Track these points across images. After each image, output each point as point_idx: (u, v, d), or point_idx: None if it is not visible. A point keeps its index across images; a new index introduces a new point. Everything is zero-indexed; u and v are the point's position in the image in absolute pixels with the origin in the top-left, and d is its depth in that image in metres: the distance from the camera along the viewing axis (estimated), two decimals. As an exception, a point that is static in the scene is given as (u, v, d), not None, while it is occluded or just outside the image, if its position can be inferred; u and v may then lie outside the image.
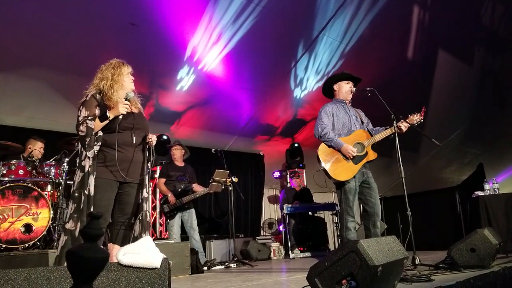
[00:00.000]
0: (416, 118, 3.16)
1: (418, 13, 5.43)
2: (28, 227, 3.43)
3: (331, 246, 6.32)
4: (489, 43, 6.25)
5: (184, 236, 4.71)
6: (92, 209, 2.20)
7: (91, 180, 2.23)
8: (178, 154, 4.81)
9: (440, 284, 1.97)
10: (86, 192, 2.20)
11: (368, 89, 3.17)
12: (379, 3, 5.03)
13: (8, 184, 3.50)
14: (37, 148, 4.11)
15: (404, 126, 3.12)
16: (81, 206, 2.18)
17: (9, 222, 3.35)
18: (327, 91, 3.43)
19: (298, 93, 6.18)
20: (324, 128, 3.11)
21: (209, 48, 4.93)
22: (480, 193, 4.34)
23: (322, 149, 3.11)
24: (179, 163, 4.83)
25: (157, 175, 5.64)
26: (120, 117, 2.33)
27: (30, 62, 4.23)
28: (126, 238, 2.39)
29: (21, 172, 3.70)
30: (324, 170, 3.07)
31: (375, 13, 5.14)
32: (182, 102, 5.59)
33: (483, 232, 2.67)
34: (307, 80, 5.97)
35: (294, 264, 4.55)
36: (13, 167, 3.68)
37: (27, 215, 3.45)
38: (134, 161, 2.42)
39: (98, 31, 4.21)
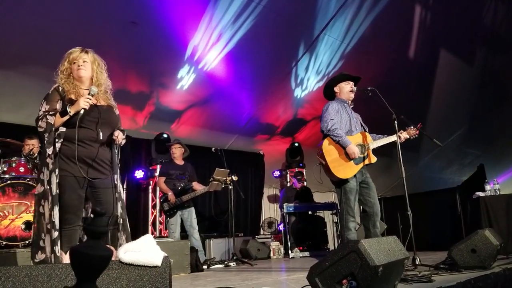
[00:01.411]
0: (412, 132, 3.25)
1: (419, 12, 5.42)
2: (28, 225, 3.42)
3: (331, 246, 6.32)
4: (490, 43, 6.24)
5: (184, 234, 4.71)
6: (57, 209, 2.11)
7: (53, 178, 2.13)
8: (177, 153, 4.81)
9: (441, 284, 1.97)
10: (53, 193, 2.11)
11: (369, 88, 3.17)
12: (380, 2, 5.02)
13: (8, 182, 3.50)
14: (34, 144, 4.11)
15: (404, 136, 3.21)
16: (44, 205, 2.12)
17: (9, 219, 3.35)
18: (329, 94, 3.43)
19: (299, 93, 6.17)
20: (334, 123, 3.10)
21: (209, 48, 4.92)
22: (480, 193, 4.33)
23: (327, 144, 3.11)
24: (179, 161, 4.82)
25: (157, 174, 5.64)
26: (82, 111, 2.17)
27: (30, 59, 4.23)
28: (115, 237, 2.30)
29: (21, 169, 3.70)
30: (324, 165, 3.07)
31: (377, 13, 5.13)
32: (182, 101, 5.59)
33: (484, 233, 2.67)
34: (308, 80, 5.97)
35: (294, 263, 4.55)
36: (13, 165, 3.68)
37: (27, 212, 3.45)
38: (99, 157, 2.27)
39: (99, 29, 4.21)
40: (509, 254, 3.55)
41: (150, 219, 5.67)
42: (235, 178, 4.73)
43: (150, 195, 5.77)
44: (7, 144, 3.83)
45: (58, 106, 2.24)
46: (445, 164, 8.59)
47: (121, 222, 2.30)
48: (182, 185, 4.67)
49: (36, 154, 4.02)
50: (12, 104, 4.60)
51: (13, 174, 3.64)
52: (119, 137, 2.31)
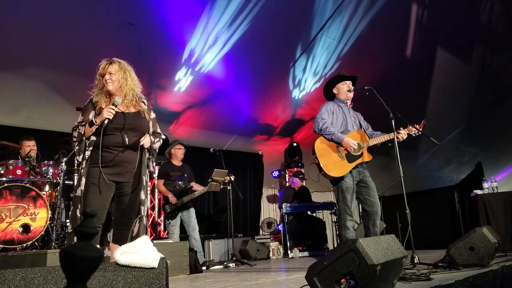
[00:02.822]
0: (414, 130, 3.24)
1: (416, 11, 5.43)
2: (26, 227, 3.41)
3: (330, 246, 6.32)
4: (487, 41, 6.25)
5: (183, 235, 4.70)
6: (82, 208, 2.27)
7: (83, 181, 2.31)
8: (180, 154, 4.79)
9: (439, 283, 1.96)
10: (77, 194, 2.30)
11: (366, 88, 3.18)
12: (378, 2, 5.03)
13: (6, 184, 3.48)
14: (32, 146, 4.10)
15: (403, 133, 3.18)
16: (73, 207, 2.31)
17: (7, 222, 3.34)
18: (329, 96, 3.44)
19: (297, 93, 6.18)
20: (325, 123, 3.13)
21: (207, 50, 4.92)
22: (479, 191, 4.34)
23: (319, 143, 3.13)
24: (177, 162, 4.81)
25: (155, 175, 5.63)
26: (106, 121, 2.31)
27: (28, 61, 4.22)
28: (126, 238, 2.40)
29: (19, 172, 3.69)
30: (318, 165, 3.08)
31: (374, 12, 5.13)
32: (180, 102, 5.58)
33: (482, 231, 2.67)
34: (305, 81, 5.97)
35: (293, 263, 4.54)
36: (11, 167, 3.67)
37: (25, 215, 3.43)
38: (126, 161, 2.40)
39: (96, 30, 4.20)
40: (507, 251, 3.56)
41: (149, 220, 5.66)
42: (232, 177, 4.73)
43: (149, 196, 5.76)
44: (4, 146, 3.82)
45: (91, 116, 2.40)
46: (443, 163, 8.60)
47: (145, 223, 2.46)
48: (182, 186, 4.66)
49: (34, 156, 4.01)
50: (9, 106, 4.59)
51: (10, 176, 3.63)
52: (145, 141, 2.43)
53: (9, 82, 4.33)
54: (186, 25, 4.55)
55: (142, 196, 2.45)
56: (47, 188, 3.86)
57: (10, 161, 3.69)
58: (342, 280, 1.64)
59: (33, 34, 3.95)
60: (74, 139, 2.39)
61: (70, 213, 2.33)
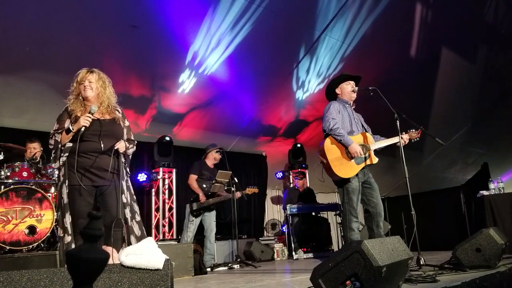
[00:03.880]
0: (414, 135, 3.26)
1: (420, 11, 5.41)
2: (32, 229, 3.43)
3: (335, 247, 6.29)
4: (492, 40, 6.21)
5: (200, 237, 4.72)
6: (69, 216, 2.38)
7: (64, 189, 2.40)
8: (214, 157, 4.84)
9: (446, 284, 1.95)
10: (64, 202, 2.39)
11: (370, 88, 3.16)
12: (381, 2, 5.01)
13: (12, 186, 3.51)
14: (36, 148, 4.13)
15: (405, 138, 3.20)
16: (60, 212, 2.42)
17: (13, 224, 3.36)
18: (331, 96, 3.42)
19: (300, 95, 6.17)
20: (336, 123, 3.09)
21: (210, 51, 4.94)
22: (485, 192, 4.31)
23: (329, 143, 3.10)
24: (211, 164, 4.88)
25: (159, 177, 5.64)
26: (83, 129, 2.39)
27: (32, 64, 4.25)
28: (119, 239, 2.48)
29: (24, 174, 3.71)
30: (326, 164, 3.06)
31: (378, 12, 5.12)
32: (184, 104, 5.60)
33: (489, 232, 2.64)
34: (309, 82, 5.97)
35: (298, 265, 4.53)
36: (16, 169, 3.70)
37: (31, 217, 3.46)
38: (103, 166, 2.47)
39: (100, 33, 4.22)
40: (515, 253, 3.51)
41: (154, 222, 5.67)
42: (249, 191, 4.84)
43: (153, 198, 5.78)
44: (10, 149, 3.85)
45: (67, 124, 2.47)
46: (449, 163, 8.54)
47: (131, 224, 2.50)
48: (210, 187, 4.74)
49: (39, 158, 4.03)
50: (13, 109, 4.62)
51: (16, 178, 3.66)
52: (120, 146, 2.52)
53: (14, 85, 4.37)
54: (189, 27, 4.56)
55: (124, 199, 2.51)
56: (52, 189, 3.88)
57: (16, 163, 3.72)
58: (347, 282, 1.63)
59: (37, 36, 3.98)
60: (51, 146, 2.47)
61: (57, 219, 2.44)
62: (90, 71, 2.56)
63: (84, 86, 2.53)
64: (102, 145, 2.47)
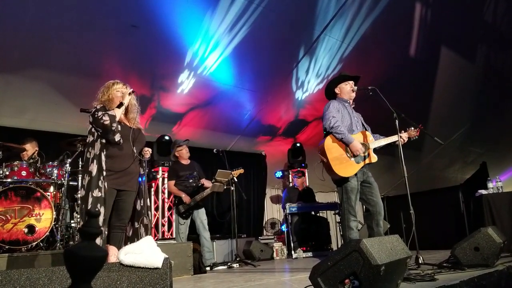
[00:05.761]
0: (413, 133, 3.27)
1: (420, 10, 5.41)
2: (31, 228, 3.43)
3: (334, 246, 6.30)
4: (491, 40, 6.21)
5: (193, 236, 4.72)
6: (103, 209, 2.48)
7: (103, 183, 2.50)
8: (184, 153, 4.83)
9: (444, 283, 1.95)
10: (99, 195, 2.47)
11: (369, 87, 3.17)
12: (381, 2, 5.01)
13: (11, 185, 3.51)
14: (29, 148, 4.13)
15: (404, 136, 3.21)
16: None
17: (12, 223, 3.36)
18: (330, 95, 3.42)
19: (300, 94, 6.18)
20: (337, 121, 3.09)
21: (210, 51, 4.93)
22: (483, 191, 4.31)
23: (329, 141, 3.10)
24: (185, 161, 4.86)
25: (159, 176, 5.64)
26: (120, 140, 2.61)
27: (32, 63, 4.24)
28: (122, 240, 2.60)
29: (23, 173, 3.71)
30: (326, 163, 3.06)
31: (377, 12, 5.12)
32: (183, 103, 5.59)
33: (487, 231, 2.65)
34: (308, 82, 5.96)
35: (297, 264, 4.53)
36: (15, 168, 3.69)
37: (30, 216, 3.45)
38: (131, 171, 2.68)
39: (100, 32, 4.22)
40: (513, 252, 3.52)
41: (153, 221, 5.67)
42: (235, 174, 4.73)
43: (153, 197, 5.78)
44: (9, 148, 3.85)
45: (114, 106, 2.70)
46: (448, 163, 8.55)
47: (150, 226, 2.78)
48: (193, 184, 4.70)
49: (37, 158, 4.03)
50: (14, 108, 4.62)
51: (15, 178, 3.65)
52: (149, 152, 2.83)
53: (14, 84, 4.36)
54: (189, 27, 4.56)
55: (148, 203, 2.79)
56: (51, 189, 3.88)
57: (15, 163, 3.72)
58: (346, 281, 1.64)
59: (38, 36, 3.97)
60: (107, 121, 2.53)
61: (86, 209, 2.43)
62: (125, 86, 2.83)
63: (123, 92, 2.77)
64: (135, 151, 2.68)
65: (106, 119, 2.54)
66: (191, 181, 4.71)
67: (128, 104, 2.77)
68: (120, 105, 2.68)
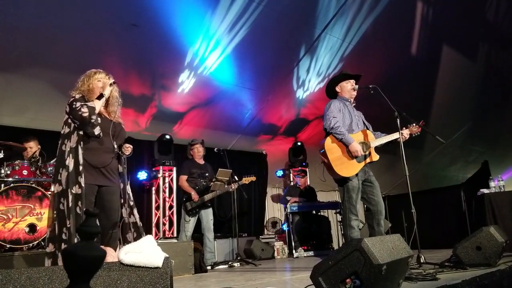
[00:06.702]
0: (415, 130, 3.24)
1: (421, 8, 5.39)
2: (32, 227, 3.44)
3: (335, 245, 6.29)
4: (493, 39, 6.19)
5: (198, 235, 4.72)
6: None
7: (81, 179, 2.35)
8: (198, 152, 4.84)
9: (446, 282, 1.94)
10: (77, 191, 2.33)
11: (370, 86, 3.16)
12: (382, 0, 4.99)
13: (12, 185, 3.52)
14: (32, 146, 4.13)
15: (406, 133, 3.19)
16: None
17: (13, 222, 3.36)
18: (331, 94, 3.42)
19: (301, 93, 6.17)
20: (337, 121, 3.09)
21: (210, 50, 4.92)
22: (485, 190, 4.30)
23: (330, 141, 3.10)
24: (200, 161, 4.87)
25: (160, 175, 5.64)
26: (101, 134, 2.46)
27: (32, 62, 4.24)
28: (117, 239, 2.54)
29: (25, 172, 3.71)
30: (327, 163, 3.06)
31: (378, 11, 5.10)
32: (184, 102, 5.59)
33: (489, 230, 2.64)
34: (309, 81, 5.95)
35: (298, 263, 4.53)
36: (17, 168, 3.70)
37: (31, 215, 3.46)
38: (113, 167, 2.56)
39: (100, 31, 4.21)
40: (515, 251, 3.51)
41: (154, 220, 5.68)
42: (247, 180, 4.88)
43: (154, 196, 5.78)
44: (10, 147, 3.85)
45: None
46: (449, 161, 8.53)
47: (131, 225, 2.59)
48: (203, 183, 4.72)
49: (38, 157, 4.03)
50: (14, 107, 4.62)
51: (17, 177, 3.66)
52: (130, 149, 2.62)
53: (14, 83, 4.36)
54: (189, 26, 4.55)
55: (130, 202, 2.62)
56: (52, 188, 3.87)
57: (16, 162, 3.72)
58: (347, 280, 1.63)
59: (38, 35, 3.97)
60: (85, 114, 2.38)
61: (68, 208, 2.30)
62: (107, 75, 2.65)
63: (104, 82, 2.59)
64: (115, 146, 2.53)
65: (85, 111, 2.37)
66: (201, 180, 4.75)
67: (109, 96, 2.60)
68: (100, 96, 2.51)
